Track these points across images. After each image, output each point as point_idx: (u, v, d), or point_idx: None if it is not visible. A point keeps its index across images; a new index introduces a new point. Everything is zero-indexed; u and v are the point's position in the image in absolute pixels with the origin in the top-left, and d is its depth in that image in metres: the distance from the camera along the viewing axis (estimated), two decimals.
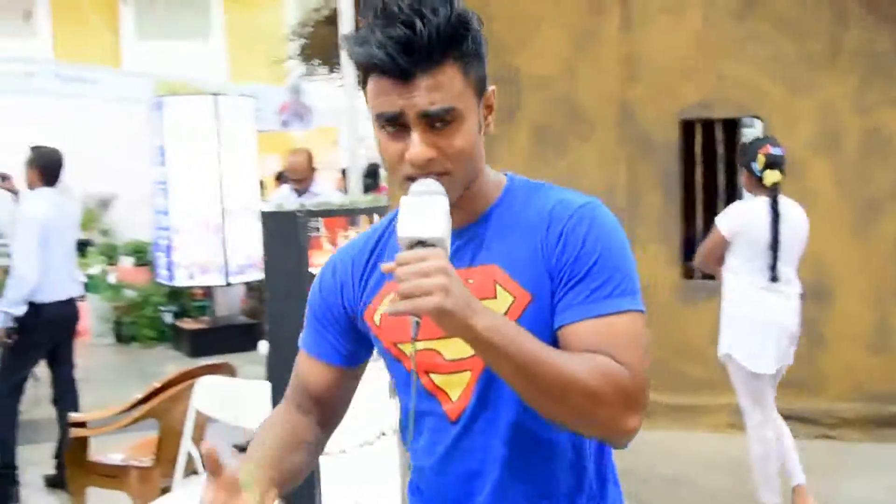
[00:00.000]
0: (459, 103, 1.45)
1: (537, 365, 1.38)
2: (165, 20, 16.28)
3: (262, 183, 10.87)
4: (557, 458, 1.57)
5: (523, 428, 1.55)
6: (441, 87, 1.42)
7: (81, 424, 4.44)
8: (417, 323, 1.37)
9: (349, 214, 3.48)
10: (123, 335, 10.31)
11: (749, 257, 4.42)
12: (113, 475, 4.33)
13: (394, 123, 1.45)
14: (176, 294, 10.27)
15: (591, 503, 1.61)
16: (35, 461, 5.87)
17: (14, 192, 6.53)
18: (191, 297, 10.27)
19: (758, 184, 4.44)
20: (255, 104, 10.10)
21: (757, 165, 4.40)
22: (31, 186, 5.63)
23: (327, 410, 1.75)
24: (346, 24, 4.83)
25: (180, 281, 9.68)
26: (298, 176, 6.78)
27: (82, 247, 11.58)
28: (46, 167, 5.56)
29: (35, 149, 5.64)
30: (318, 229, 3.35)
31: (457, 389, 1.58)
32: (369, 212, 3.58)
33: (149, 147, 9.71)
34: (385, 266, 1.42)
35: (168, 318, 10.14)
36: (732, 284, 4.51)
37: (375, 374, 1.87)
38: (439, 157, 1.45)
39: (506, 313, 1.50)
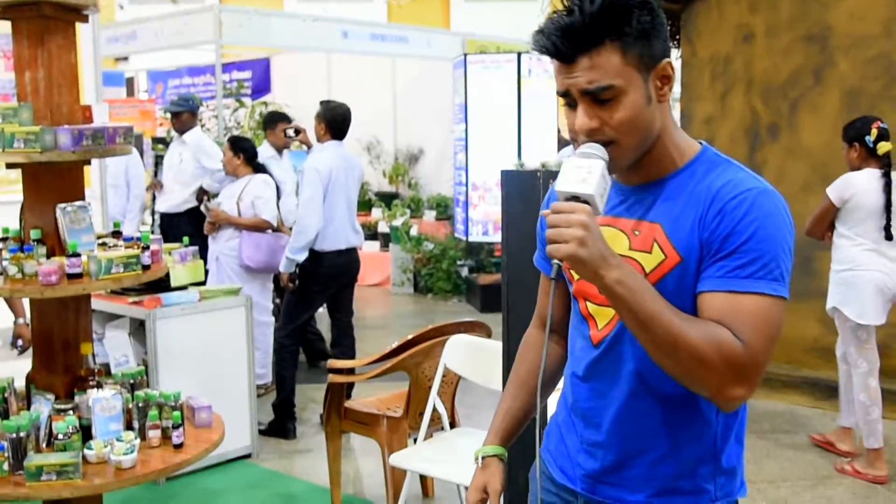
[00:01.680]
0: (618, 80, 1.61)
1: (653, 320, 1.55)
2: None
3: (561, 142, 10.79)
4: (677, 404, 1.73)
5: (646, 368, 1.71)
6: (599, 67, 1.61)
7: (347, 371, 4.60)
8: (558, 265, 1.58)
9: None
10: (421, 286, 10.66)
11: (857, 222, 4.94)
12: (365, 422, 4.45)
13: (567, 99, 1.68)
14: (474, 249, 10.47)
15: (706, 452, 1.76)
16: (317, 400, 6.21)
17: (308, 145, 6.86)
18: (489, 252, 10.42)
19: (868, 156, 4.97)
20: None
21: (870, 138, 4.93)
22: (319, 139, 5.87)
23: (563, 323, 1.99)
24: None
25: (475, 236, 9.84)
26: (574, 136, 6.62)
27: (389, 199, 12.10)
28: (333, 121, 5.76)
29: (324, 103, 5.86)
30: None
31: (603, 320, 1.79)
32: None
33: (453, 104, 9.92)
34: (543, 211, 1.66)
35: (464, 272, 10.35)
36: (842, 247, 5.01)
37: None
38: (602, 127, 1.64)
39: (656, 267, 1.68)
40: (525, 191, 3.35)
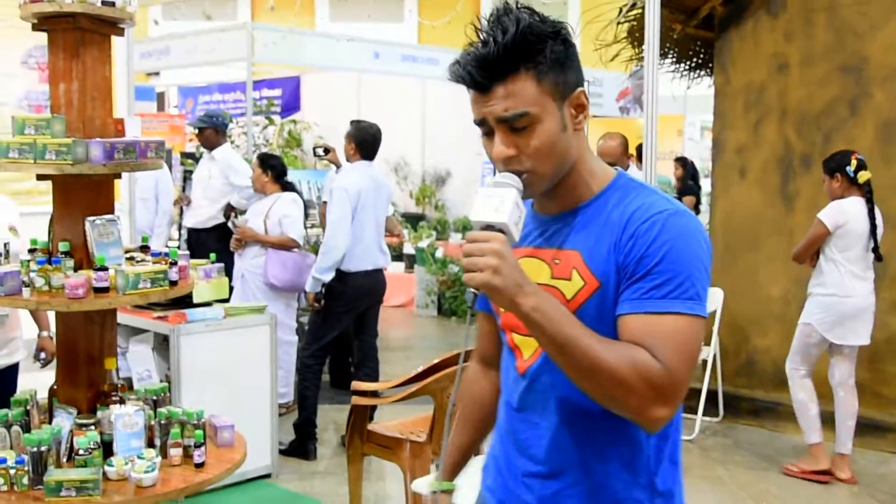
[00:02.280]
0: (533, 108, 1.65)
1: (570, 345, 1.57)
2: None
3: None
4: (607, 430, 1.73)
5: (573, 395, 1.70)
6: (514, 95, 1.65)
7: (371, 393, 4.55)
8: (473, 294, 1.59)
9: None
10: (445, 308, 10.61)
11: (846, 246, 5.30)
12: (388, 446, 4.39)
13: (484, 128, 1.71)
14: None
15: (640, 476, 1.75)
16: (339, 421, 6.16)
17: (337, 164, 6.85)
18: None
19: (849, 185, 5.33)
20: (594, 90, 9.95)
21: (851, 168, 5.29)
22: (348, 159, 5.85)
23: (497, 356, 2.00)
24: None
25: None
26: (609, 160, 6.57)
27: (416, 220, 12.08)
28: (364, 141, 5.75)
29: (354, 123, 5.85)
30: None
31: (528, 350, 1.82)
32: None
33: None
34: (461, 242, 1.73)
35: None
36: (829, 272, 5.36)
37: None
38: (519, 155, 1.68)
39: (576, 294, 1.71)
40: None
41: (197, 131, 7.61)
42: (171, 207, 7.98)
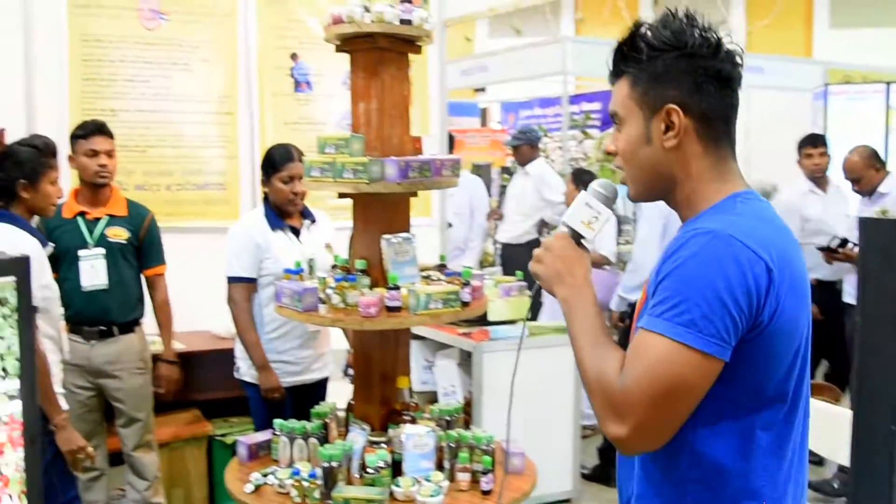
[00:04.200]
0: (621, 110, 1.76)
1: (574, 342, 1.70)
2: (860, 8, 15.45)
3: None
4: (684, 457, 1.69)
5: None
6: (615, 94, 1.78)
7: None
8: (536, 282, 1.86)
9: None
10: None
11: None
12: None
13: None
14: None
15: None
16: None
17: None
18: None
19: None
20: None
21: None
22: None
23: None
24: None
25: None
26: (852, 175, 5.85)
27: None
28: None
29: None
30: None
31: None
32: None
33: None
34: None
35: None
36: None
37: None
38: (616, 152, 1.80)
39: (638, 306, 1.77)
40: (887, 243, 2.90)
41: (512, 149, 7.65)
42: (485, 222, 8.08)
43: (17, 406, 1.58)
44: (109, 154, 4.08)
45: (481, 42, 15.35)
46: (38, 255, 3.31)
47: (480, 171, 10.26)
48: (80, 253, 4.03)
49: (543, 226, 7.41)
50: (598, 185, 1.83)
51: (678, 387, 1.54)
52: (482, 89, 14.31)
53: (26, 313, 1.55)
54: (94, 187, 4.09)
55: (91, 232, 4.08)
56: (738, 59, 1.71)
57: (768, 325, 1.56)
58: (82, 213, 4.09)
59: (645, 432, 1.56)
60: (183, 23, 5.36)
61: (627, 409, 1.54)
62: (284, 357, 4.08)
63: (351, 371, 4.26)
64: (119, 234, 4.13)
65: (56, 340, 3.49)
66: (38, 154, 3.46)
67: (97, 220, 4.10)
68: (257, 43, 5.56)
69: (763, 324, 1.56)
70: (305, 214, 4.14)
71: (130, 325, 4.20)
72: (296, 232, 4.09)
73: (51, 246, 3.57)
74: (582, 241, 1.82)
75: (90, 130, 4.06)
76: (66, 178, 4.08)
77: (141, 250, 4.24)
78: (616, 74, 1.76)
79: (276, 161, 4.01)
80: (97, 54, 5.15)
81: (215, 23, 5.45)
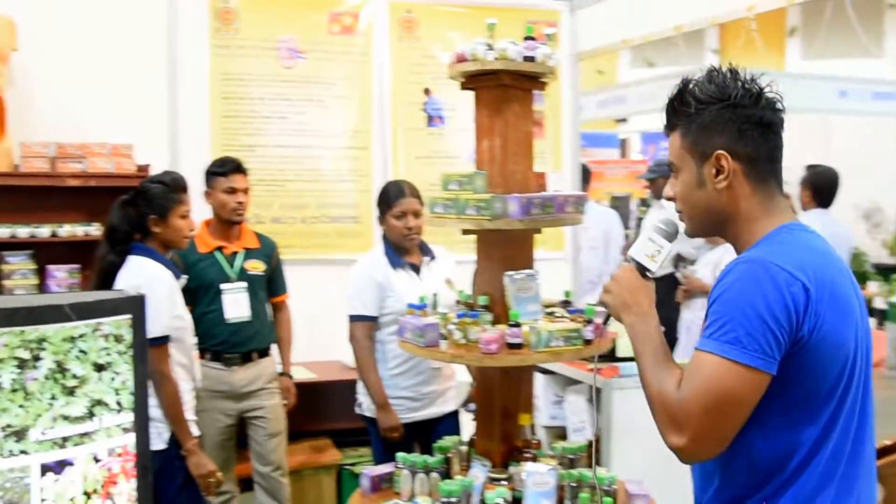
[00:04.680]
0: (676, 160, 1.98)
1: (638, 362, 1.90)
2: None
3: None
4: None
5: None
6: (670, 146, 1.99)
7: None
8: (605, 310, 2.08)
9: None
10: None
11: None
12: None
13: None
14: None
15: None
16: None
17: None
18: None
19: None
20: None
21: None
22: (804, 207, 5.45)
23: None
24: None
25: None
26: None
27: (888, 272, 11.00)
28: (821, 187, 5.35)
29: (810, 168, 5.45)
30: None
31: None
32: None
33: None
34: None
35: None
36: None
37: None
38: (675, 197, 2.01)
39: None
40: None
41: (648, 182, 7.54)
42: (620, 255, 7.97)
43: (130, 438, 1.64)
44: (246, 192, 4.24)
45: (624, 72, 15.22)
46: (172, 286, 3.48)
47: (619, 202, 10.15)
48: (223, 286, 4.20)
49: (679, 260, 7.25)
50: (660, 222, 2.05)
51: (729, 398, 1.72)
52: (623, 120, 14.18)
53: (140, 350, 1.62)
54: (229, 223, 4.24)
55: (231, 266, 4.24)
56: (778, 106, 1.92)
57: (809, 339, 1.74)
58: (220, 248, 4.25)
59: (702, 441, 1.75)
60: (319, 60, 5.50)
61: (685, 421, 1.73)
62: (407, 393, 4.11)
63: (472, 406, 4.26)
64: (257, 267, 4.29)
65: (188, 368, 3.64)
66: (167, 190, 3.61)
67: (235, 253, 4.26)
68: (391, 79, 5.66)
69: (804, 338, 1.73)
70: (424, 251, 4.19)
71: (266, 349, 4.34)
72: (416, 269, 4.13)
73: (184, 278, 3.72)
74: (647, 273, 2.03)
75: (230, 168, 4.21)
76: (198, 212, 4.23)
77: (271, 279, 4.41)
78: (670, 128, 1.97)
79: (390, 198, 4.08)
80: (238, 92, 5.34)
81: (350, 60, 5.58)
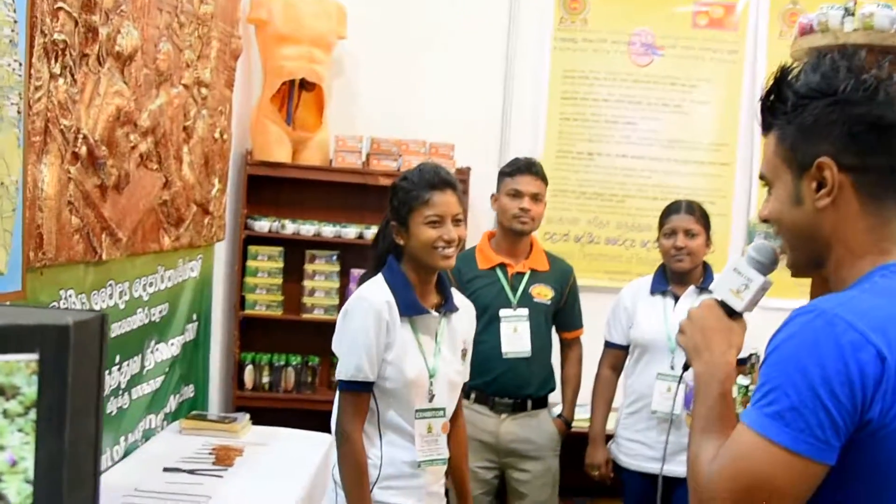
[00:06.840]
0: (768, 171, 1.53)
1: (693, 417, 1.51)
2: None
3: None
4: None
5: None
6: (765, 152, 1.55)
7: None
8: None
9: None
10: None
11: None
12: None
13: None
14: None
15: None
16: None
17: None
18: None
19: None
20: None
21: None
22: None
23: None
24: None
25: None
26: None
27: None
28: None
29: None
30: None
31: None
32: None
33: None
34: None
35: None
36: None
37: None
38: (767, 218, 1.57)
39: None
40: None
41: None
42: None
43: None
44: (535, 198, 3.51)
45: None
46: (380, 318, 2.60)
47: None
48: (502, 313, 3.52)
49: None
50: (752, 250, 1.61)
51: (762, 486, 1.34)
52: None
53: (58, 412, 0.95)
54: (512, 234, 3.56)
55: (514, 289, 3.56)
56: None
57: (880, 425, 1.29)
58: (502, 265, 3.59)
59: None
60: (679, 58, 4.86)
61: (708, 500, 1.42)
62: (639, 437, 3.55)
63: None
64: (544, 294, 3.57)
65: (400, 431, 2.72)
66: (409, 187, 2.68)
67: (520, 274, 3.56)
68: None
69: (872, 423, 1.29)
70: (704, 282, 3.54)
71: (545, 398, 3.63)
72: (676, 298, 3.53)
73: (433, 314, 2.87)
74: (733, 312, 1.57)
75: (518, 168, 3.54)
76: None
77: (561, 311, 3.70)
78: (765, 128, 1.52)
79: (663, 216, 3.59)
80: (580, 91, 4.84)
81: (718, 59, 4.87)
